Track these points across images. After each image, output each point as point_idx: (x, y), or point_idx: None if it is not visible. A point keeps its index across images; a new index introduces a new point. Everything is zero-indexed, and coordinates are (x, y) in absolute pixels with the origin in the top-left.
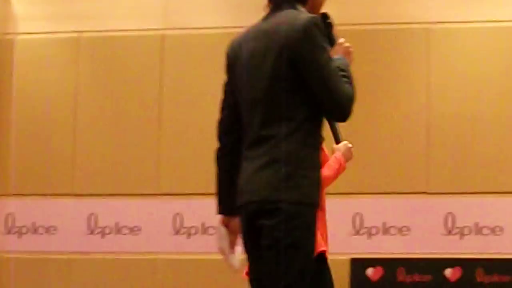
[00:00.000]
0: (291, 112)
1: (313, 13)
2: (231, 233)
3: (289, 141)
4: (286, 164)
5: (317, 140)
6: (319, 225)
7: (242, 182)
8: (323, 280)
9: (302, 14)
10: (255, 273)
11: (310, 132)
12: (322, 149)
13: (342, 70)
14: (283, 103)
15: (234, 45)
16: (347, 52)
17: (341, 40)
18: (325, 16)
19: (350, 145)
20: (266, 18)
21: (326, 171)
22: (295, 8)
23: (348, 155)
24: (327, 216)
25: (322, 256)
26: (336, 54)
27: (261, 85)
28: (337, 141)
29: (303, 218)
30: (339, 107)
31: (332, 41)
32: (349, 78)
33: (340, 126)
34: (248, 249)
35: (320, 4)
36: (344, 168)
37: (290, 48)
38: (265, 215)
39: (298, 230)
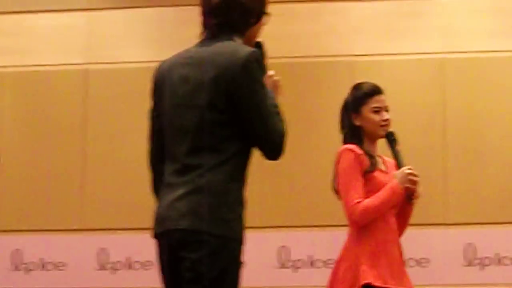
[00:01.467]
0: (221, 144)
1: (248, 45)
2: None
3: (216, 172)
4: (212, 195)
5: (244, 175)
6: (366, 258)
7: (162, 209)
8: None
9: (243, 47)
10: None
11: (239, 166)
12: (375, 177)
13: (275, 106)
14: (214, 135)
15: (162, 68)
16: (276, 85)
17: (271, 72)
18: (259, 45)
19: (408, 171)
20: (201, 45)
21: (369, 201)
22: (232, 39)
23: (404, 181)
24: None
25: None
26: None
27: (193, 113)
28: (398, 166)
29: (228, 252)
30: (274, 145)
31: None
32: (279, 114)
33: (267, 162)
34: (168, 282)
35: (254, 37)
36: (399, 195)
37: (228, 81)
38: (188, 246)
39: (222, 264)
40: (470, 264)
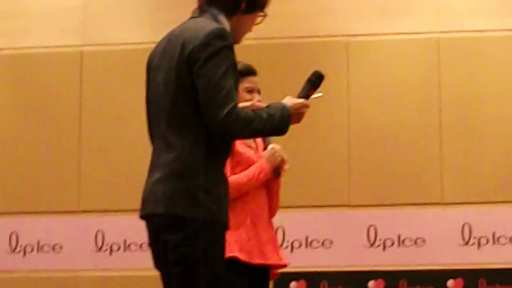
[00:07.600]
0: (193, 123)
1: (236, 33)
2: None
3: (190, 154)
4: (186, 179)
5: (223, 154)
6: (236, 231)
7: (144, 191)
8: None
9: (211, 24)
10: None
11: (214, 146)
12: (243, 152)
13: (269, 107)
14: (185, 112)
15: (151, 51)
16: (299, 113)
17: (304, 102)
18: (319, 75)
19: (275, 150)
20: (183, 23)
21: (235, 178)
22: (215, 17)
23: (272, 160)
24: None
25: (233, 261)
26: (289, 102)
27: (166, 91)
28: (265, 146)
29: (207, 233)
30: (216, 120)
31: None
32: (270, 116)
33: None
34: (158, 264)
35: (243, 27)
36: (267, 174)
37: (186, 56)
38: (167, 229)
39: (203, 244)
40: (466, 243)
